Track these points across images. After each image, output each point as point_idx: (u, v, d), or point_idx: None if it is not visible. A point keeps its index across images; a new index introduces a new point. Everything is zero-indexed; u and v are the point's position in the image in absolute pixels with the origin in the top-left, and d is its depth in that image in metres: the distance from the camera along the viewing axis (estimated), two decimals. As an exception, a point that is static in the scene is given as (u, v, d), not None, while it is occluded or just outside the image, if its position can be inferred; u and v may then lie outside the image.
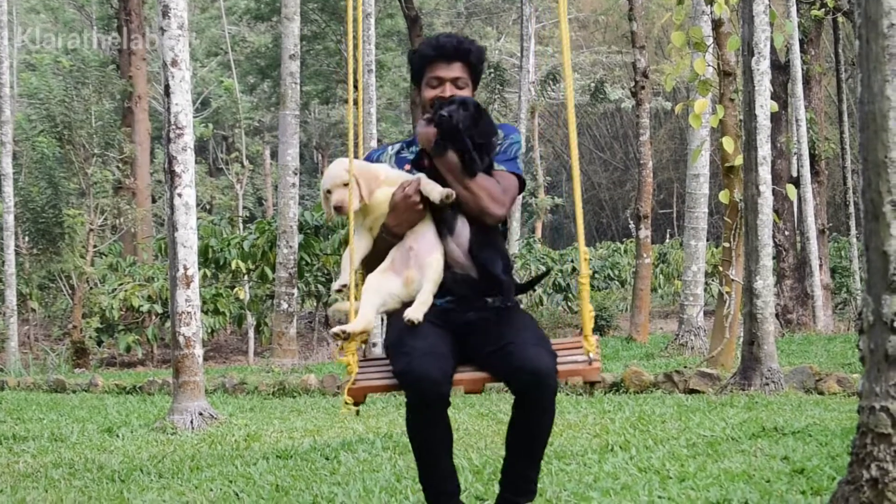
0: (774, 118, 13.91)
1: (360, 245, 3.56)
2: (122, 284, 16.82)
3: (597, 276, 23.78)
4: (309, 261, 16.33)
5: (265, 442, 6.33)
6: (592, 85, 34.07)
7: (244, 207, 23.93)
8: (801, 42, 15.93)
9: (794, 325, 15.47)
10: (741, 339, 7.70)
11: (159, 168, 25.88)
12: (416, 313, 3.36)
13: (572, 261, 22.16)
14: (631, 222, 30.84)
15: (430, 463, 3.40)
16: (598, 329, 16.87)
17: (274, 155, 30.74)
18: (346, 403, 3.34)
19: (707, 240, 13.11)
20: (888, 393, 2.89)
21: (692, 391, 7.49)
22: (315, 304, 18.28)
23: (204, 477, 5.00)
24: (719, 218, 20.70)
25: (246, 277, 16.78)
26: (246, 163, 23.30)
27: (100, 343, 16.75)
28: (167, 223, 7.57)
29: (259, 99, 33.89)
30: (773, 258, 11.15)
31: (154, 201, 23.72)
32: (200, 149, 34.48)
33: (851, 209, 18.36)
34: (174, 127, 7.49)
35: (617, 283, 24.17)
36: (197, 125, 26.61)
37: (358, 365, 3.42)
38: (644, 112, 14.57)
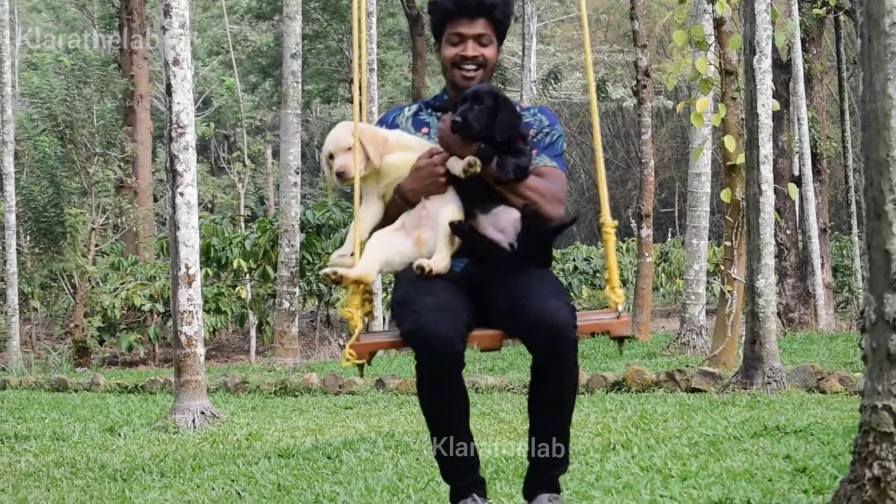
0: (776, 117, 13.88)
1: (369, 212, 3.29)
2: (123, 283, 16.82)
3: (598, 275, 23.76)
4: (311, 260, 16.34)
5: (267, 441, 6.33)
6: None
7: (246, 206, 23.90)
8: (803, 41, 15.91)
9: (796, 323, 15.46)
10: (743, 338, 7.70)
11: (161, 167, 25.87)
12: (430, 262, 3.10)
13: (573, 259, 22.15)
14: (632, 221, 30.82)
15: (446, 432, 3.12)
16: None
17: (276, 154, 30.71)
18: (349, 360, 3.09)
19: (709, 238, 13.10)
20: (890, 392, 2.89)
21: (694, 390, 7.49)
22: (317, 303, 18.28)
23: (206, 476, 5.00)
24: (721, 217, 20.69)
25: (248, 276, 16.78)
26: (248, 162, 23.28)
27: (101, 342, 16.75)
28: (169, 222, 7.57)
29: (261, 98, 33.88)
30: (775, 257, 11.15)
31: (156, 200, 23.73)
32: (202, 148, 34.46)
33: (853, 208, 18.34)
34: (176, 126, 7.49)
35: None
36: (198, 124, 26.58)
37: (362, 321, 3.18)
38: (646, 111, 14.56)
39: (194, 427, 7.20)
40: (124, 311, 16.72)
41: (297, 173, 13.44)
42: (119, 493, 4.75)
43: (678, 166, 34.10)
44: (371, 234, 3.26)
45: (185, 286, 7.42)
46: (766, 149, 7.30)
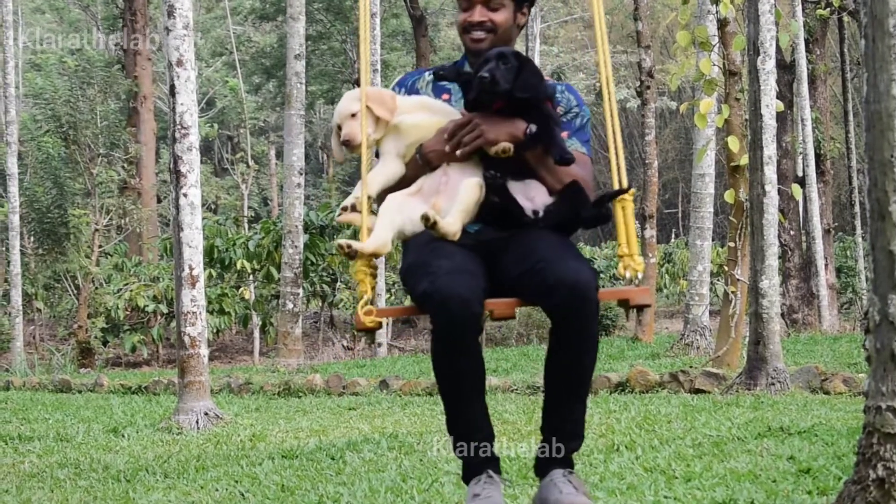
0: (780, 118, 13.86)
1: (385, 169, 3.16)
2: (127, 284, 16.84)
3: (602, 275, 23.76)
4: (314, 261, 16.35)
5: (270, 442, 6.34)
6: (597, 84, 34.03)
7: (249, 207, 23.93)
8: (807, 41, 15.91)
9: (800, 324, 15.46)
10: (747, 339, 7.69)
11: (165, 168, 25.89)
12: (441, 220, 2.97)
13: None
14: (636, 222, 30.80)
15: (461, 403, 2.98)
16: (604, 329, 16.85)
17: (279, 155, 30.72)
18: (368, 317, 2.92)
19: (712, 239, 13.09)
20: (894, 392, 2.88)
21: (698, 391, 7.48)
22: (320, 304, 18.29)
23: (209, 477, 5.00)
24: (725, 217, 20.65)
25: (251, 277, 16.80)
26: (251, 163, 23.31)
27: (105, 343, 16.77)
28: (172, 223, 7.58)
29: (264, 99, 33.91)
30: (779, 258, 11.13)
31: (159, 201, 23.73)
32: (206, 149, 34.49)
33: (857, 208, 18.34)
34: (179, 127, 7.50)
35: (622, 282, 24.09)
36: (202, 125, 26.59)
37: (372, 288, 3.03)
38: (649, 111, 14.56)
39: (198, 428, 7.21)
40: (128, 312, 16.74)
41: (301, 174, 13.44)
42: (122, 494, 4.75)
43: (682, 167, 34.09)
44: (385, 194, 3.15)
45: (188, 287, 7.42)
46: (769, 149, 7.30)
